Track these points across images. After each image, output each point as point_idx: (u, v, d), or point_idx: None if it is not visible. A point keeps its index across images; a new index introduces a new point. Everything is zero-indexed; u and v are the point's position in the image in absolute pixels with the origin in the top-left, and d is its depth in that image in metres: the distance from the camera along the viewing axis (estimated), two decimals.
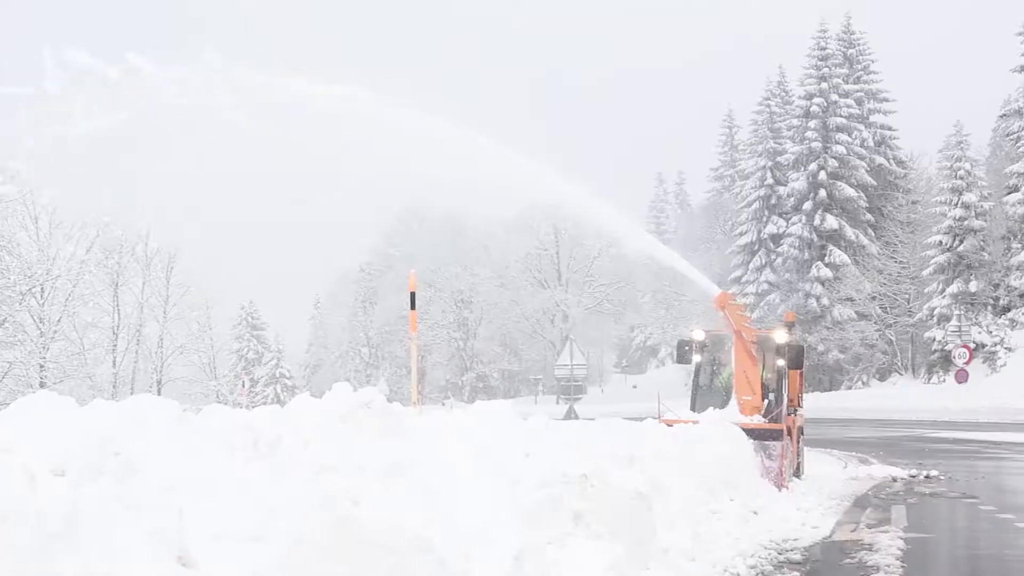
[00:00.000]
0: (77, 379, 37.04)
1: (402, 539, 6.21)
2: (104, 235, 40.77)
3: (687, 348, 17.40)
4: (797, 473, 16.95)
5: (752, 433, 15.18)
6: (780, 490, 14.82)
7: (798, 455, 17.26)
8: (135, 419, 6.64)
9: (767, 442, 15.29)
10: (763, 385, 16.50)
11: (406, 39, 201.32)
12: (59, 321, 36.64)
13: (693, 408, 16.88)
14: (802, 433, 17.84)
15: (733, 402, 16.14)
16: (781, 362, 16.54)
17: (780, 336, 16.70)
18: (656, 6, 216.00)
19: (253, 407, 9.08)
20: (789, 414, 16.46)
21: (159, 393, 40.85)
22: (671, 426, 14.48)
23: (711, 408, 16.01)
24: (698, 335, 17.44)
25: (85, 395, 31.26)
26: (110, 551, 4.89)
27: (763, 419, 15.83)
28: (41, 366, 34.84)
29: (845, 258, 55.75)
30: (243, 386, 41.60)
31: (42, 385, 32.87)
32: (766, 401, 16.33)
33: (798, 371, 17.34)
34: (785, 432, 15.56)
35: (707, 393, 17.42)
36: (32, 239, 36.86)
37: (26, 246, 36.21)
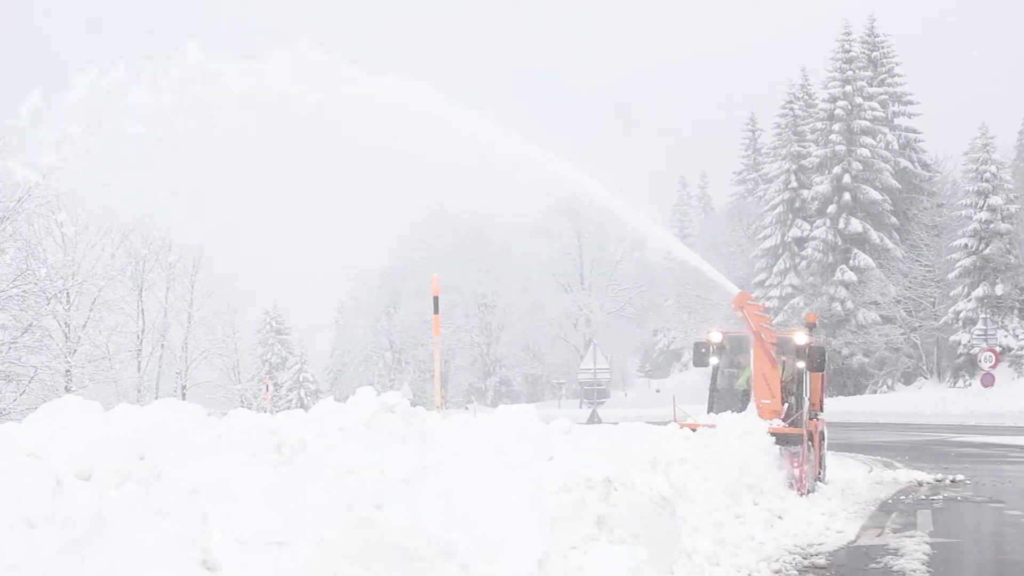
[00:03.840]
0: (102, 384, 37.22)
1: (425, 543, 6.23)
2: (129, 240, 41.06)
3: (704, 350, 16.95)
4: (821, 477, 16.77)
5: (772, 437, 14.95)
6: (802, 495, 14.71)
7: (820, 460, 17.07)
8: (160, 423, 6.68)
9: (787, 446, 15.11)
10: (783, 388, 16.17)
11: (406, 41, 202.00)
12: (84, 326, 36.83)
13: (710, 411, 16.48)
14: (824, 437, 17.56)
15: (752, 405, 15.64)
16: (801, 364, 16.24)
17: (800, 338, 16.39)
18: (672, 7, 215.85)
19: (277, 411, 9.12)
20: (810, 418, 16.20)
21: (183, 397, 41.13)
22: (695, 431, 14.35)
23: (729, 412, 15.61)
24: (715, 337, 17.03)
25: (110, 400, 31.45)
26: (135, 555, 4.93)
27: (782, 423, 15.59)
28: (67, 371, 35.03)
29: (870, 261, 55.39)
30: (267, 390, 41.74)
31: (67, 390, 33.02)
32: (786, 404, 16.01)
33: (819, 374, 17.01)
34: (805, 436, 15.38)
35: (725, 396, 17.01)
36: (58, 244, 37.12)
37: (52, 251, 36.45)
